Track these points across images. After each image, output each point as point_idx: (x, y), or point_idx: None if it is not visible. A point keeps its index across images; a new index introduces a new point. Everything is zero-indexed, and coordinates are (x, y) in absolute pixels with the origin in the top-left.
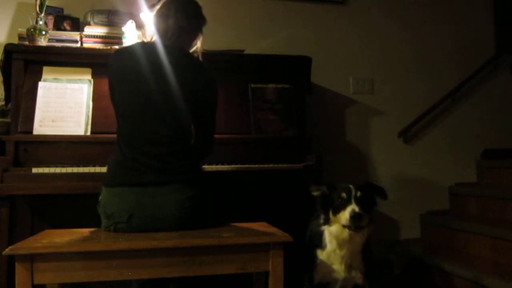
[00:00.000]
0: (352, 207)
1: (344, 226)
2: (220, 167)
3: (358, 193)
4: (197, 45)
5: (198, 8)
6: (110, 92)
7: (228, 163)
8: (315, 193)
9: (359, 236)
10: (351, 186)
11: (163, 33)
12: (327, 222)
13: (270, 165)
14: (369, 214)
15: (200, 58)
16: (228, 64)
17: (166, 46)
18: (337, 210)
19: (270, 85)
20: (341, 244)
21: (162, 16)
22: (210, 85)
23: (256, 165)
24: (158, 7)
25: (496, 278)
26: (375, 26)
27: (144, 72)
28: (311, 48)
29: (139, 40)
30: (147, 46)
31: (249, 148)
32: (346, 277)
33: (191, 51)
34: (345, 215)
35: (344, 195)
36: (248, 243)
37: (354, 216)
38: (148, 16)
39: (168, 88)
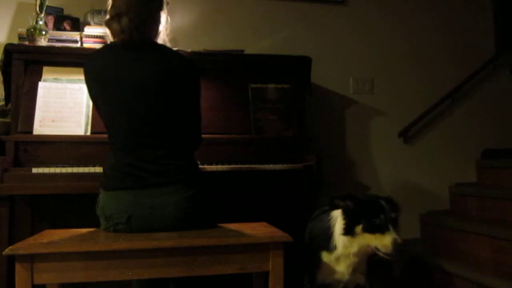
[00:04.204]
0: (394, 236)
1: (377, 249)
2: (220, 167)
3: (393, 214)
4: (161, 32)
5: None
6: (94, 103)
7: (228, 163)
8: (341, 204)
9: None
10: (384, 204)
11: (126, 29)
12: (351, 233)
13: (270, 165)
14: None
15: (168, 45)
16: (228, 64)
17: (134, 43)
18: (371, 229)
19: (270, 85)
20: (356, 254)
21: (115, 16)
22: (190, 72)
23: (256, 165)
24: (108, 8)
25: (496, 278)
26: (375, 26)
27: (120, 78)
28: (311, 48)
29: None
30: (116, 48)
31: (249, 148)
32: (349, 278)
33: (158, 40)
34: (384, 242)
35: (382, 216)
36: (248, 243)
37: (395, 247)
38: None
39: (151, 86)
